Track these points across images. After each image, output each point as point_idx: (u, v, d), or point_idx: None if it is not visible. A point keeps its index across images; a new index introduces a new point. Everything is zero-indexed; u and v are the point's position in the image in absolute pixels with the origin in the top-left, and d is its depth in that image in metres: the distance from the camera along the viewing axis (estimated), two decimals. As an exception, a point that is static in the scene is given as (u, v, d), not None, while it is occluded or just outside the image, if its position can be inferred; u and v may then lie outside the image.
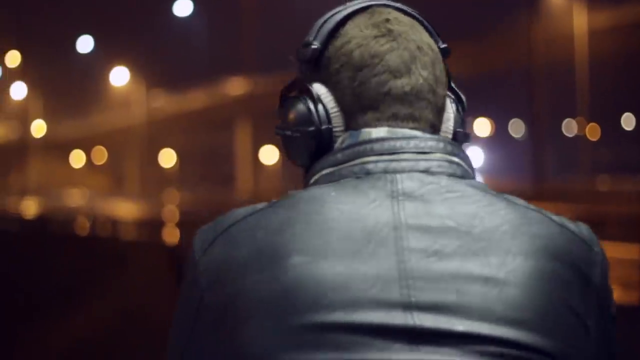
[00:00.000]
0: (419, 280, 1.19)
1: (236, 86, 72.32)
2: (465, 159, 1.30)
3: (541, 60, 32.90)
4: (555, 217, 1.28)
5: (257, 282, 1.19)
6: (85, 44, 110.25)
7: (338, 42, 1.30)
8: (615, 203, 27.55)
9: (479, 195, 1.25)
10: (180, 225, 28.32)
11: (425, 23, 1.36)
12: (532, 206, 1.26)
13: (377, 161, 1.26)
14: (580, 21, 41.57)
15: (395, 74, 1.29)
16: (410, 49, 1.30)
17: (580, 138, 43.06)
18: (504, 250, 1.21)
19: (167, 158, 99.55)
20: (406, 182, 1.25)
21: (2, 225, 40.78)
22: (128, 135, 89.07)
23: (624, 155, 63.45)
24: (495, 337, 1.18)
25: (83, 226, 37.02)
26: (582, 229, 1.27)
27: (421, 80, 1.30)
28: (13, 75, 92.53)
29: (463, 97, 1.37)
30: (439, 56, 1.35)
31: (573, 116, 46.04)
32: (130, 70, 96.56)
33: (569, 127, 57.28)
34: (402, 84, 1.29)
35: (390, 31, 1.30)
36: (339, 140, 1.28)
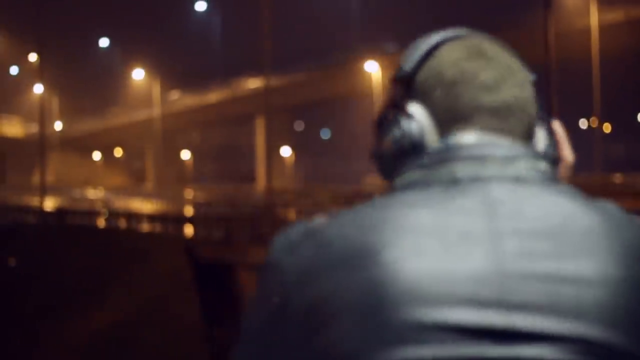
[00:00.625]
0: (513, 280, 1.20)
1: (253, 82, 72.51)
2: (552, 169, 1.35)
3: (557, 57, 33.08)
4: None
5: (348, 279, 1.20)
6: (103, 42, 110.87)
7: (432, 63, 1.36)
8: (631, 198, 27.81)
9: (569, 199, 1.27)
10: (196, 219, 28.51)
11: (514, 54, 1.42)
12: (622, 211, 1.30)
13: (464, 167, 1.29)
14: (594, 18, 41.63)
15: (487, 89, 1.33)
16: (501, 68, 1.35)
17: (594, 134, 43.08)
18: (596, 253, 1.22)
19: (183, 154, 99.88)
20: (496, 190, 1.26)
21: (23, 219, 41.31)
22: (145, 132, 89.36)
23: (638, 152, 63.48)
24: (587, 337, 1.19)
25: (101, 220, 37.26)
26: None
27: (512, 97, 1.33)
28: (32, 74, 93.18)
29: (552, 122, 1.45)
30: (529, 79, 1.39)
31: (588, 113, 46.06)
32: (147, 68, 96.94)
33: (583, 124, 57.33)
34: (493, 98, 1.33)
35: (481, 52, 1.36)
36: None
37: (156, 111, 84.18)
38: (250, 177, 78.02)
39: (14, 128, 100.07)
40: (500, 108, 1.33)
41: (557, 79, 26.37)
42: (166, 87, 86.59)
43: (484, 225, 1.23)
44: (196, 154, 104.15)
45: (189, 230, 29.91)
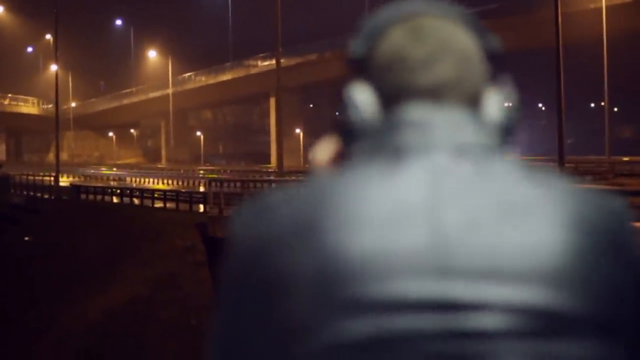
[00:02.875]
0: (453, 250, 1.21)
1: (267, 61, 72.39)
2: (498, 139, 1.38)
3: (566, 39, 32.90)
4: (588, 190, 1.33)
5: (298, 255, 1.23)
6: (117, 22, 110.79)
7: (376, 44, 1.43)
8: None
9: (514, 168, 1.30)
10: (208, 197, 28.57)
11: (471, 21, 1.46)
12: (567, 179, 1.33)
13: (406, 137, 1.31)
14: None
15: (416, 69, 1.35)
16: (435, 45, 1.37)
17: (603, 116, 42.95)
18: (537, 221, 1.24)
19: (197, 133, 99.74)
20: (438, 158, 1.28)
21: (38, 196, 41.50)
22: (159, 111, 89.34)
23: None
24: (529, 302, 1.20)
25: (115, 198, 37.36)
26: (616, 201, 1.32)
27: (445, 75, 1.35)
28: (47, 54, 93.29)
29: (511, 96, 1.45)
30: (474, 56, 1.40)
31: (597, 95, 45.92)
32: (161, 47, 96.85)
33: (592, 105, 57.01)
34: (423, 78, 1.35)
35: (417, 31, 1.39)
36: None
37: (170, 90, 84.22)
38: (264, 157, 78.14)
39: (29, 107, 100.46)
40: (433, 87, 1.35)
41: (567, 60, 26.40)
42: (179, 66, 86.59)
43: (426, 195, 1.25)
44: (209, 133, 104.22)
45: (201, 207, 29.95)
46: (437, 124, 1.33)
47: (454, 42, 1.40)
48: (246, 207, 1.34)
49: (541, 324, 1.21)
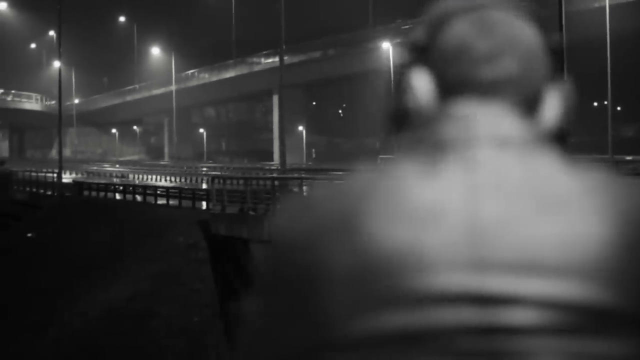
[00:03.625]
0: (491, 242, 1.20)
1: (270, 59, 72.37)
2: (542, 136, 1.35)
3: (570, 37, 32.93)
4: (627, 184, 1.31)
5: (335, 248, 1.24)
6: (121, 19, 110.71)
7: (441, 33, 1.40)
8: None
9: (556, 161, 1.28)
10: (211, 194, 28.55)
11: (536, 16, 1.42)
12: (608, 172, 1.31)
13: (449, 129, 1.31)
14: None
15: (480, 62, 1.34)
16: (499, 40, 1.35)
17: (606, 115, 42.92)
18: (577, 212, 1.22)
19: (199, 130, 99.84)
20: (479, 151, 1.28)
21: (41, 192, 41.50)
22: (162, 108, 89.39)
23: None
24: (566, 297, 1.19)
25: (117, 194, 37.35)
26: None
27: (505, 72, 1.34)
28: (51, 51, 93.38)
29: (571, 96, 1.43)
30: (539, 52, 1.37)
31: (601, 94, 45.89)
32: (165, 44, 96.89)
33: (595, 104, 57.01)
34: (486, 72, 1.33)
35: (484, 23, 1.37)
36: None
37: (173, 87, 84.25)
38: (267, 154, 78.18)
39: (32, 104, 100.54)
40: (494, 82, 1.34)
41: (570, 59, 26.39)
42: (183, 63, 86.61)
43: (464, 188, 1.25)
44: (212, 130, 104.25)
45: (203, 205, 29.92)
46: (481, 118, 1.32)
47: (520, 37, 1.38)
48: (287, 198, 1.36)
49: (578, 321, 1.19)
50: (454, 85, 1.35)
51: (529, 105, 1.35)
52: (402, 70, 1.42)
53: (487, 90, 1.34)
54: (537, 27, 1.39)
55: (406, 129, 1.38)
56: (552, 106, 1.37)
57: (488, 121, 1.32)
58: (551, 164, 1.29)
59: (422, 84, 1.38)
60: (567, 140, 1.38)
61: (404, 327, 1.19)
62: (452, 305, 1.18)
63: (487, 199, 1.23)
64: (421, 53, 1.40)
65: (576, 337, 1.18)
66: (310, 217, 1.30)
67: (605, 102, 44.65)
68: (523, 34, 1.37)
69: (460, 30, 1.37)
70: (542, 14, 1.42)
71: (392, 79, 57.18)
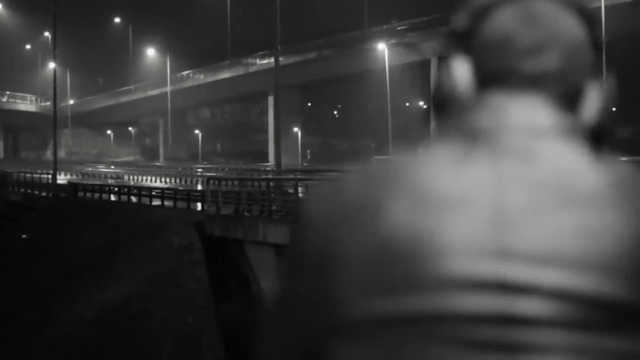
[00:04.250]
0: (514, 231, 1.19)
1: (265, 60, 72.33)
2: (579, 130, 1.32)
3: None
4: None
5: (357, 231, 1.24)
6: (116, 20, 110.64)
7: (483, 22, 1.37)
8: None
9: (583, 156, 1.26)
10: (206, 195, 28.54)
11: (584, 13, 1.39)
12: (633, 170, 1.28)
13: (484, 118, 1.30)
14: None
15: (523, 55, 1.32)
16: (545, 33, 1.33)
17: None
18: (602, 207, 1.21)
19: (195, 131, 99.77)
20: (509, 138, 1.26)
21: (36, 193, 41.48)
22: (157, 109, 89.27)
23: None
24: (585, 290, 1.17)
25: (112, 195, 37.32)
26: None
27: (549, 65, 1.31)
28: (46, 52, 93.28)
29: (612, 93, 1.40)
30: (583, 47, 1.34)
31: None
32: (160, 45, 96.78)
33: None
34: (528, 65, 1.31)
35: (529, 15, 1.34)
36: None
37: (168, 88, 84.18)
38: (262, 155, 78.16)
39: (27, 105, 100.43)
40: (533, 74, 1.32)
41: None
42: (178, 64, 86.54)
43: (490, 174, 1.24)
44: (208, 131, 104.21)
45: (198, 206, 29.91)
46: (517, 108, 1.30)
47: (564, 31, 1.36)
48: (321, 184, 1.36)
49: (595, 315, 1.17)
50: (494, 76, 1.34)
51: (570, 100, 1.33)
52: (442, 57, 1.40)
53: (527, 83, 1.32)
54: (581, 21, 1.37)
55: (444, 116, 1.36)
56: (593, 102, 1.34)
57: (523, 112, 1.30)
58: (581, 157, 1.27)
59: (461, 72, 1.36)
60: (607, 136, 1.36)
61: (420, 312, 1.19)
62: (471, 293, 1.18)
63: (513, 189, 1.22)
64: (462, 40, 1.38)
65: (592, 332, 1.17)
66: (337, 198, 1.30)
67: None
68: (567, 27, 1.35)
69: (503, 20, 1.35)
70: (586, 7, 1.39)
71: (387, 79, 57.27)
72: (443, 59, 1.39)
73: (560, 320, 1.16)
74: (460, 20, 1.39)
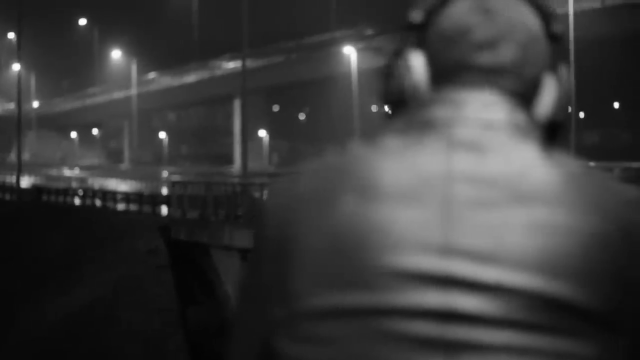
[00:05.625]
0: (460, 227, 1.18)
1: (231, 63, 72.21)
2: (534, 126, 1.30)
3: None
4: (606, 178, 1.28)
5: (313, 223, 1.23)
6: (81, 21, 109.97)
7: (439, 15, 1.35)
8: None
9: (534, 151, 1.25)
10: (171, 199, 28.48)
11: (538, 4, 1.36)
12: (587, 166, 1.28)
13: (439, 111, 1.28)
14: (570, 4, 41.85)
15: (480, 48, 1.30)
16: (501, 24, 1.31)
17: (570, 121, 43.33)
18: (549, 203, 1.19)
19: (160, 134, 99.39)
20: (464, 133, 1.25)
21: (2, 195, 41.12)
22: (122, 111, 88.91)
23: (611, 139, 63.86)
24: (527, 287, 1.16)
25: (77, 199, 37.15)
26: (633, 191, 1.27)
27: (507, 57, 1.30)
28: (10, 53, 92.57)
29: (568, 84, 1.37)
30: (539, 38, 1.33)
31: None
32: (125, 48, 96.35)
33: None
34: (485, 58, 1.29)
35: (485, 7, 1.32)
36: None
37: (133, 91, 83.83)
38: (227, 159, 78.00)
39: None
40: (490, 68, 1.30)
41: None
42: (144, 67, 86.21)
43: (441, 168, 1.23)
44: (173, 134, 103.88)
45: (164, 210, 29.83)
46: (471, 102, 1.29)
47: (522, 22, 1.34)
48: (280, 178, 1.36)
49: (541, 314, 1.16)
50: (449, 69, 1.32)
51: (525, 93, 1.31)
52: (397, 50, 1.37)
53: (483, 76, 1.30)
54: (535, 13, 1.35)
55: (397, 109, 1.34)
56: (549, 95, 1.33)
57: (477, 106, 1.29)
58: (533, 153, 1.25)
59: (417, 65, 1.34)
60: (561, 129, 1.35)
61: (366, 306, 1.18)
62: (415, 288, 1.17)
63: (462, 183, 1.21)
64: (417, 34, 1.36)
65: (534, 331, 1.15)
66: (291, 192, 1.29)
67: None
68: (522, 19, 1.33)
69: (459, 13, 1.33)
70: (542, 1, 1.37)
71: (354, 84, 57.37)
72: (398, 53, 1.37)
73: (502, 318, 1.15)
74: (415, 13, 1.36)
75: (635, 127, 62.15)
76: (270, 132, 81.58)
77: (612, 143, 61.54)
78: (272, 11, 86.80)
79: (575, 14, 42.41)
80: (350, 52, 58.36)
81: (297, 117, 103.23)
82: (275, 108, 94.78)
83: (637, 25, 46.14)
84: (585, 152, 48.92)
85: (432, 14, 1.35)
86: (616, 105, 67.78)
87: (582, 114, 56.26)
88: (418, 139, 1.26)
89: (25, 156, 77.94)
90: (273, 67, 68.25)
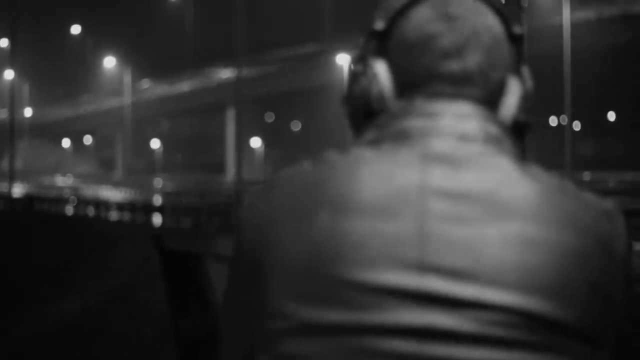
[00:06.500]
0: (436, 243, 1.16)
1: (224, 72, 72.23)
2: (505, 134, 1.28)
3: (529, 54, 33.11)
4: (581, 191, 1.25)
5: (289, 236, 1.21)
6: (75, 29, 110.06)
7: (401, 22, 1.31)
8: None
9: (509, 164, 1.22)
10: (164, 209, 28.45)
11: (497, 7, 1.34)
12: (561, 179, 1.26)
13: (414, 122, 1.25)
14: (566, 16, 41.87)
15: (445, 56, 1.27)
16: (465, 31, 1.28)
17: (565, 132, 43.32)
18: (525, 218, 1.17)
19: (153, 143, 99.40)
20: (439, 145, 1.22)
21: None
22: (115, 120, 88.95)
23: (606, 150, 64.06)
24: (504, 304, 1.15)
25: (69, 208, 37.12)
26: (607, 203, 1.25)
27: (473, 64, 1.27)
28: (3, 60, 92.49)
29: (531, 84, 1.35)
30: (502, 41, 1.31)
31: (559, 110, 46.33)
32: (119, 56, 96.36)
33: (553, 122, 57.83)
34: (451, 66, 1.27)
35: (447, 14, 1.29)
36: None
37: (127, 100, 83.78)
38: (220, 168, 77.93)
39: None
40: (458, 75, 1.28)
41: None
42: (137, 75, 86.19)
43: (416, 182, 1.20)
44: (166, 144, 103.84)
45: (157, 219, 29.83)
46: (444, 113, 1.26)
47: (485, 27, 1.30)
48: (254, 189, 1.32)
49: (519, 331, 1.14)
50: (415, 78, 1.29)
51: (492, 97, 1.29)
52: (360, 58, 1.34)
53: (451, 85, 1.28)
54: (498, 16, 1.32)
55: (365, 120, 1.32)
56: (513, 97, 1.30)
57: (449, 117, 1.25)
58: (508, 166, 1.23)
59: (381, 72, 1.30)
60: (527, 130, 1.32)
61: (342, 323, 1.17)
62: (392, 305, 1.16)
63: (437, 199, 1.19)
64: (380, 41, 1.32)
65: (512, 347, 1.15)
66: (267, 204, 1.26)
67: (558, 119, 45.18)
68: (485, 23, 1.30)
69: (421, 20, 1.30)
70: (497, 2, 1.35)
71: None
72: (360, 61, 1.33)
73: (480, 334, 1.15)
74: (377, 17, 1.33)
75: (630, 138, 62.26)
76: (264, 141, 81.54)
77: (606, 153, 61.60)
78: (266, 20, 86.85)
79: (571, 25, 42.48)
80: (344, 62, 58.33)
81: (291, 126, 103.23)
82: (269, 117, 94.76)
83: (632, 37, 46.26)
84: (580, 162, 48.99)
85: (393, 21, 1.30)
86: (611, 116, 67.85)
87: (577, 125, 56.42)
88: (393, 151, 1.23)
89: (18, 164, 77.88)
90: (267, 76, 68.25)
